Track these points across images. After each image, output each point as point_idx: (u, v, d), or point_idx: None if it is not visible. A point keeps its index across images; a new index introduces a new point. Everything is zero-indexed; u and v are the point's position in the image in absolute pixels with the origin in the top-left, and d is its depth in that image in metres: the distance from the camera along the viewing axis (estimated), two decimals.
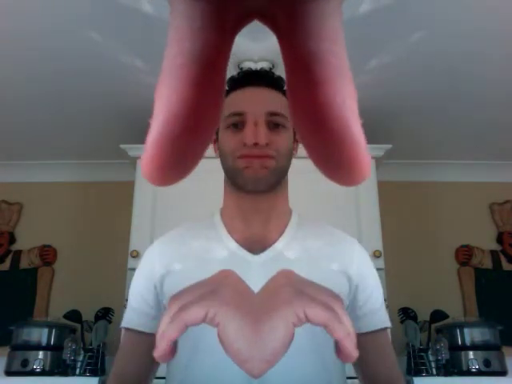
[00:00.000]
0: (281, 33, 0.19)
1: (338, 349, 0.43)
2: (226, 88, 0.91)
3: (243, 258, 0.90)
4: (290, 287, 0.47)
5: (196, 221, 1.07)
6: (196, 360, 0.85)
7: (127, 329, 0.95)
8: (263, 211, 0.93)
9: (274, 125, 0.88)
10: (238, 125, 0.88)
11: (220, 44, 0.19)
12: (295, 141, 0.95)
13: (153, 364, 0.94)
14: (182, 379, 0.87)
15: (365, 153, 0.20)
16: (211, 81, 0.19)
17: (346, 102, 0.19)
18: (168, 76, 0.19)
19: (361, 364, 0.94)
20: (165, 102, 0.19)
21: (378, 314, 0.94)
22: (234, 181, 0.91)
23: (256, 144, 0.85)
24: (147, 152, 0.19)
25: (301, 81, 0.19)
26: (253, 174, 0.87)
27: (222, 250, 0.92)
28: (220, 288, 0.47)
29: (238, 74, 0.95)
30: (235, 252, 0.92)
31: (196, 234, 0.99)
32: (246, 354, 0.42)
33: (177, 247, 0.96)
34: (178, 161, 0.20)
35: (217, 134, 0.94)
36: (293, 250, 0.92)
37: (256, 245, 0.92)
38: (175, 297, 0.46)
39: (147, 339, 0.91)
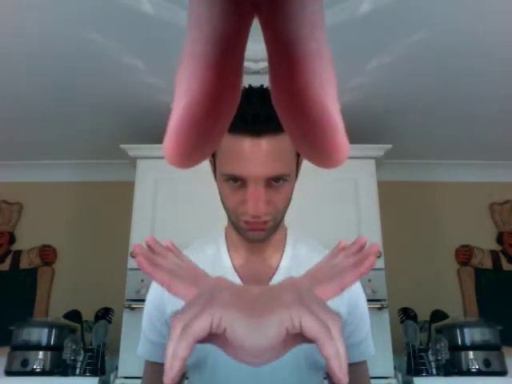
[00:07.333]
0: (262, 17, 0.19)
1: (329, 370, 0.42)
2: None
3: None
4: (293, 293, 0.47)
5: (197, 232, 1.06)
6: None
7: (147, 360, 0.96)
8: (262, 249, 0.94)
9: (275, 180, 0.82)
10: (236, 179, 0.83)
11: (238, 28, 0.19)
12: (298, 164, 0.89)
13: None
14: None
15: (343, 138, 0.20)
16: (230, 66, 0.20)
17: (325, 88, 0.20)
18: (188, 62, 0.19)
19: None
20: (186, 88, 0.19)
21: (360, 346, 0.95)
22: (237, 230, 0.90)
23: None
24: (169, 136, 0.20)
25: (282, 67, 0.20)
26: (255, 235, 0.87)
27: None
28: (217, 293, 0.47)
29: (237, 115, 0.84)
30: None
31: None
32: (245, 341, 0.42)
33: None
34: (198, 143, 0.20)
35: (212, 154, 0.87)
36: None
37: (255, 282, 0.92)
38: (177, 317, 0.45)
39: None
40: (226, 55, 0.19)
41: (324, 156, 0.21)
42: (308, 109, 0.19)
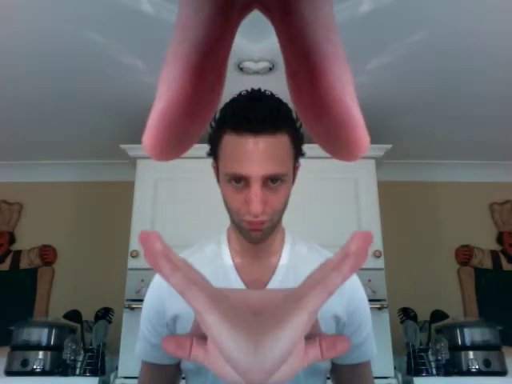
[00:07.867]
0: (277, 22, 0.19)
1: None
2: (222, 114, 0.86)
3: None
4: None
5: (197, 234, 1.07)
6: None
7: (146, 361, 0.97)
8: (262, 250, 0.95)
9: (271, 181, 0.85)
10: (239, 180, 0.85)
11: (223, 34, 0.19)
12: (295, 167, 0.91)
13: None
14: None
15: (364, 133, 0.21)
16: (212, 70, 0.20)
17: (345, 88, 0.20)
18: (171, 63, 0.20)
19: None
20: (166, 88, 0.20)
21: (360, 348, 0.96)
22: (239, 231, 0.91)
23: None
24: (148, 132, 0.20)
25: (302, 71, 0.20)
26: (256, 235, 0.89)
27: None
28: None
29: (236, 111, 0.84)
30: None
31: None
32: (245, 365, 0.41)
33: None
34: (176, 141, 0.21)
35: (215, 158, 0.90)
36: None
37: (255, 282, 0.94)
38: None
39: (165, 369, 0.96)
40: (207, 58, 0.19)
41: (345, 150, 0.22)
42: (331, 109, 0.20)
